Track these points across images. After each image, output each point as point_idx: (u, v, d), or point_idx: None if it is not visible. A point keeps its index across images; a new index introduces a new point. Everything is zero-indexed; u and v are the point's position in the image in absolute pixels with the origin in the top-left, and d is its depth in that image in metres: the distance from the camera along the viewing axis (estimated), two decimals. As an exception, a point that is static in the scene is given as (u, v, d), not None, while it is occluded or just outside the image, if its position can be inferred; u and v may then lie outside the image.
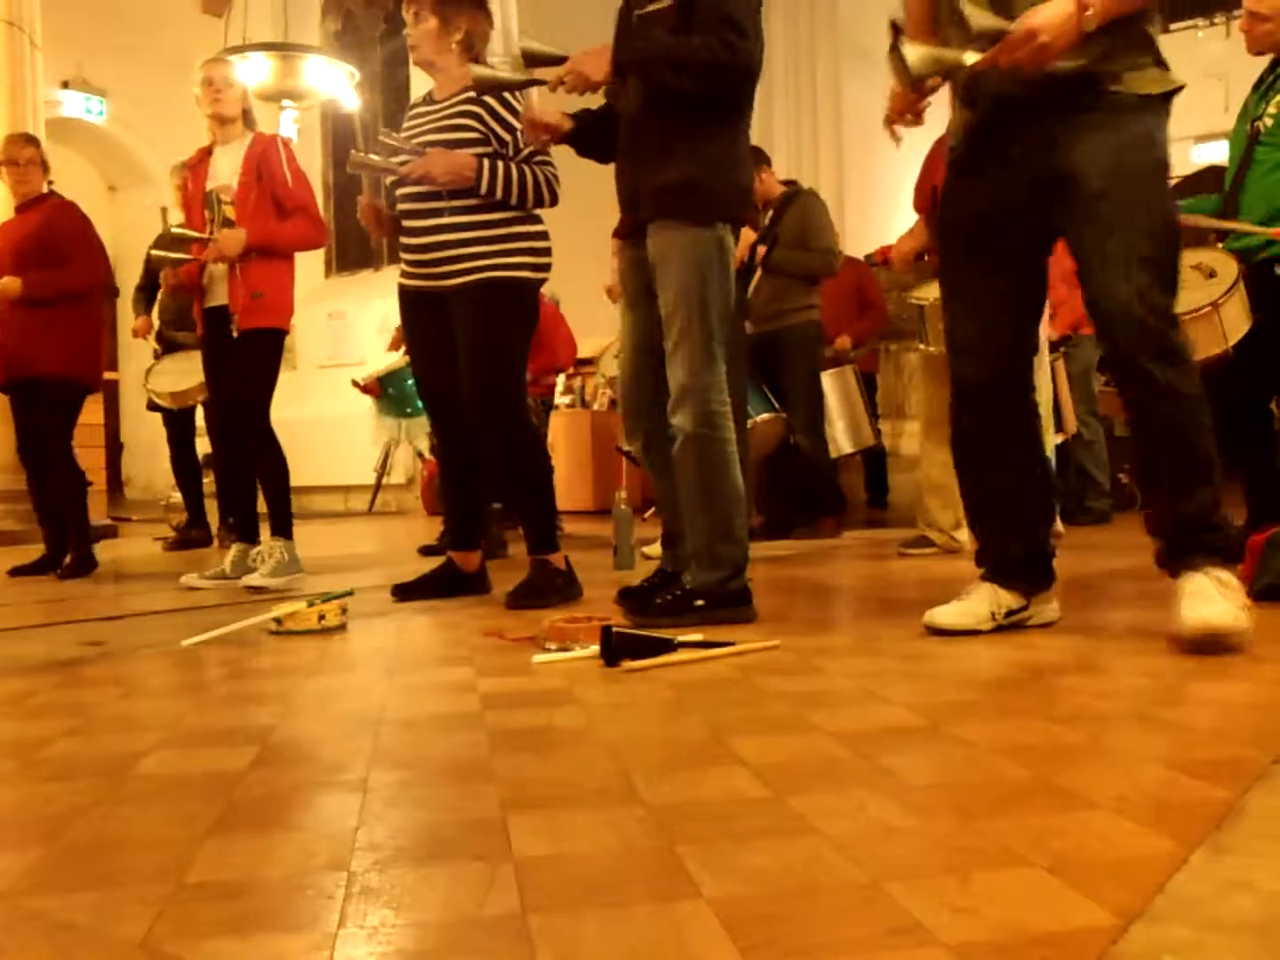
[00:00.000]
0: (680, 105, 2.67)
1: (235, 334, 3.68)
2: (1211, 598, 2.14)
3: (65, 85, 9.40)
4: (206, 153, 3.88)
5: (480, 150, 3.12)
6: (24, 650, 2.63)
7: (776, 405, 5.05)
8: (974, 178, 2.43)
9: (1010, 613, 2.41)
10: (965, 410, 2.50)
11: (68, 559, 4.35)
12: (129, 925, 0.97)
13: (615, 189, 2.90)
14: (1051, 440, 4.60)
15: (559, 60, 2.67)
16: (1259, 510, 3.57)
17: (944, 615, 2.39)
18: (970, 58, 2.17)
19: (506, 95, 3.15)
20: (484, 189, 3.10)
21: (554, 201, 3.23)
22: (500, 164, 3.12)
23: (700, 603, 2.65)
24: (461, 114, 3.17)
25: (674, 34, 2.62)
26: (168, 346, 5.67)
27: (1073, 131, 2.23)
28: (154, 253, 3.94)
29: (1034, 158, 2.28)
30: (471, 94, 3.17)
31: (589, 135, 2.90)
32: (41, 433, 4.40)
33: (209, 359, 3.90)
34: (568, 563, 3.23)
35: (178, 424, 5.62)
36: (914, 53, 2.18)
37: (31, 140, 4.65)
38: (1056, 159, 2.24)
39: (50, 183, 4.52)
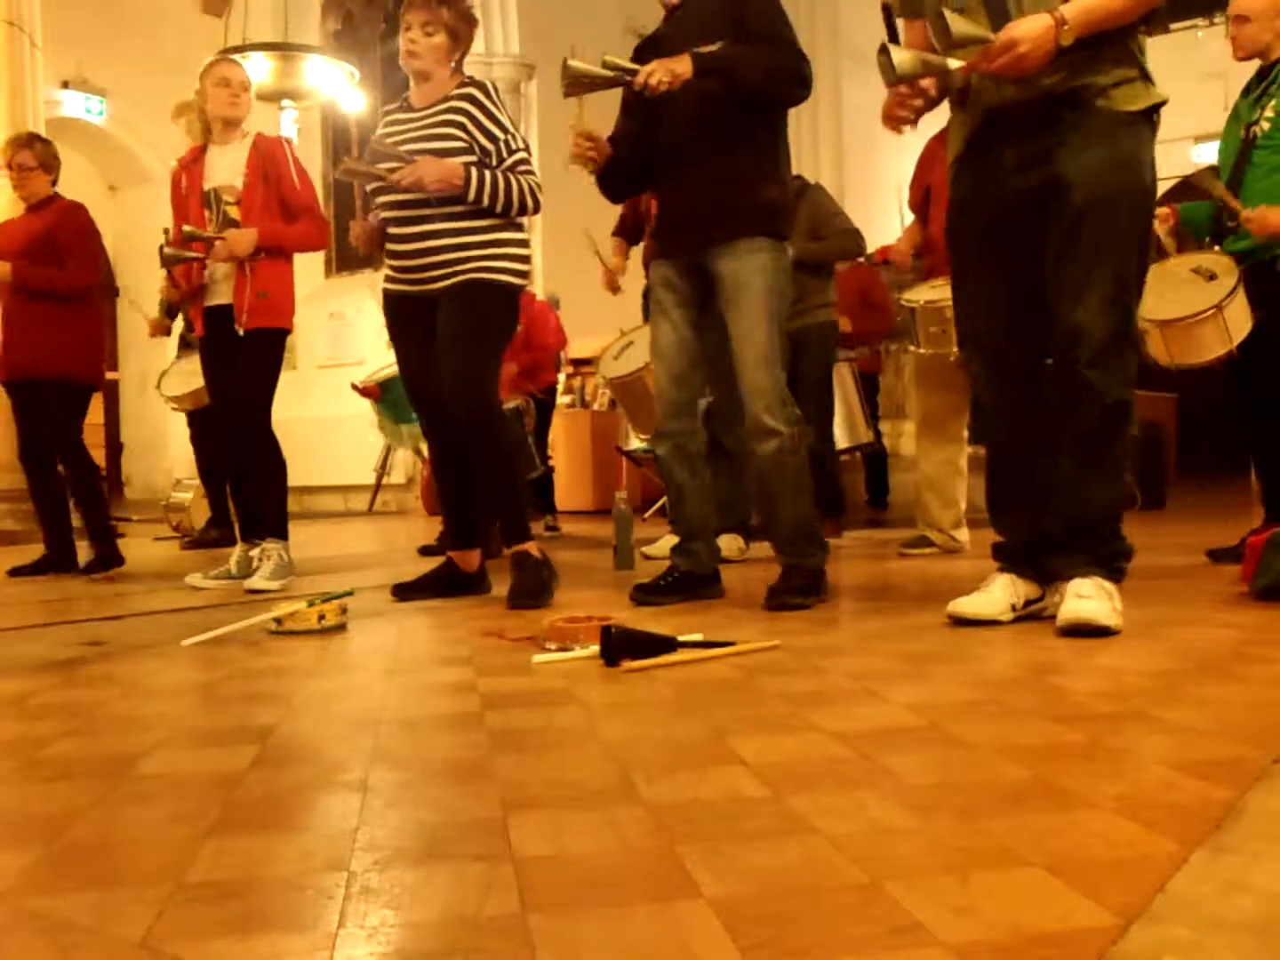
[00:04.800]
0: (741, 123, 2.90)
1: (241, 332, 3.67)
2: (1092, 595, 2.30)
3: (65, 85, 9.39)
4: (201, 150, 3.85)
5: (465, 158, 3.16)
6: (24, 650, 2.63)
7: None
8: (972, 183, 2.51)
9: (1029, 602, 2.51)
10: (985, 405, 2.60)
11: (92, 555, 4.30)
12: (129, 925, 0.97)
13: (659, 211, 3.12)
14: None
15: (634, 72, 2.83)
16: (1274, 509, 3.59)
17: (967, 605, 2.47)
18: (954, 63, 2.29)
19: (490, 105, 3.21)
20: (472, 196, 3.14)
21: (536, 209, 3.28)
22: (487, 172, 3.17)
23: (820, 580, 2.96)
24: (445, 122, 3.20)
25: None
26: (186, 349, 5.64)
27: (1064, 144, 2.34)
28: (167, 251, 3.89)
29: (1027, 167, 2.38)
30: (453, 103, 3.22)
31: (614, 174, 3.11)
32: (46, 433, 4.38)
33: (210, 359, 3.89)
34: (539, 549, 3.28)
35: (200, 423, 5.57)
36: (900, 54, 2.29)
37: (29, 143, 4.52)
38: (1049, 169, 2.35)
39: (54, 182, 4.44)
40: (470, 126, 3.19)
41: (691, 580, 3.07)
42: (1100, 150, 2.31)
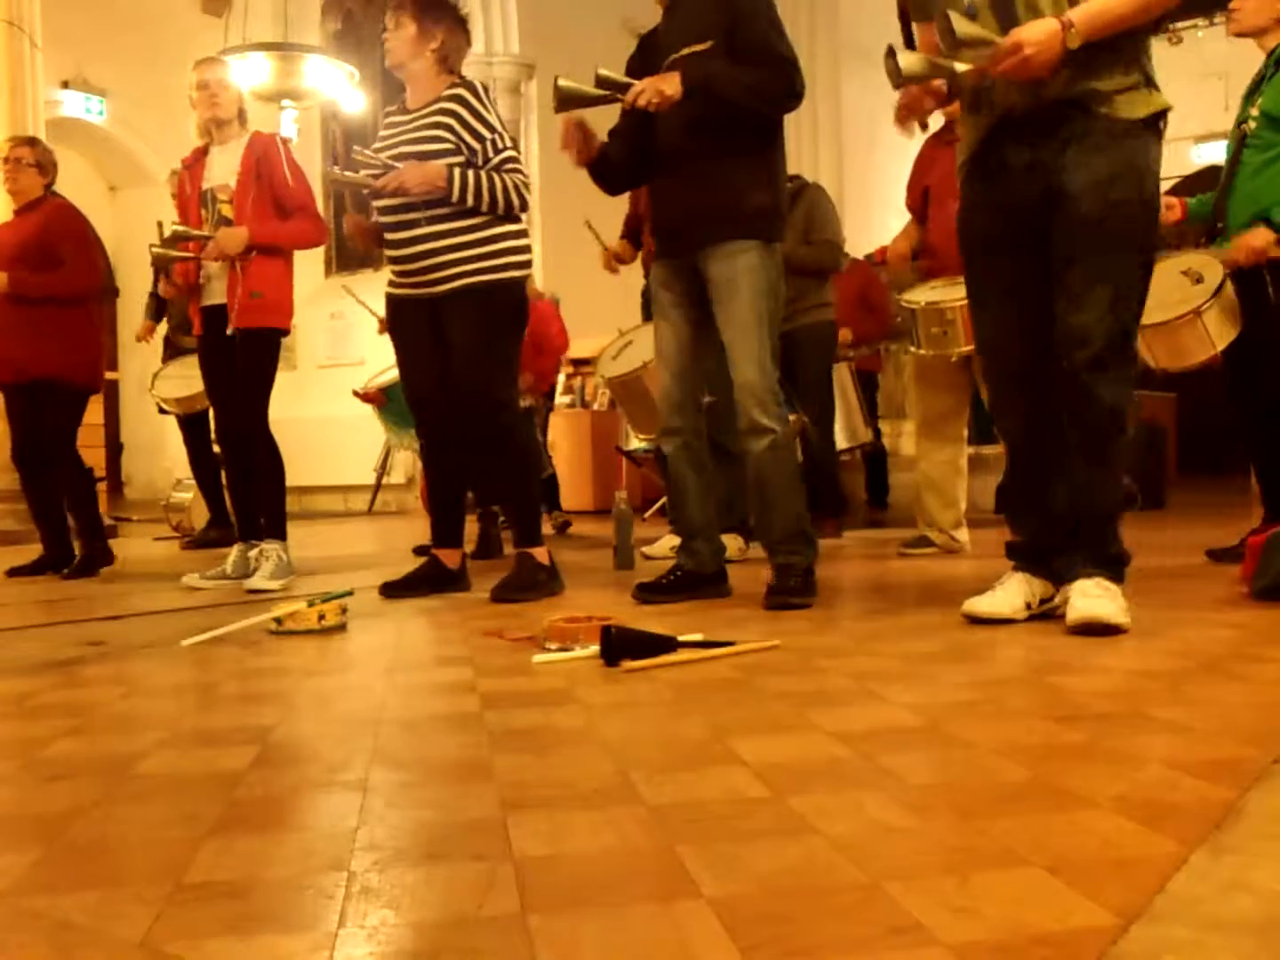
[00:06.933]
0: (732, 132, 2.91)
1: (230, 332, 3.67)
2: (1099, 594, 2.33)
3: (65, 85, 9.38)
4: (202, 152, 3.87)
5: (453, 160, 3.19)
6: (24, 650, 2.63)
7: (796, 406, 5.04)
8: (984, 186, 2.52)
9: (1043, 601, 2.54)
10: (997, 405, 2.63)
11: (77, 557, 4.32)
12: (129, 925, 0.97)
13: (652, 211, 3.12)
14: None
15: (627, 86, 2.87)
16: (1274, 509, 3.59)
17: (982, 604, 2.50)
18: (960, 66, 2.30)
19: (478, 105, 3.24)
20: (455, 196, 3.18)
21: (524, 208, 3.33)
22: (470, 172, 3.20)
23: (813, 578, 2.99)
24: (434, 124, 3.23)
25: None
26: (174, 351, 5.66)
27: (1070, 154, 2.35)
28: (155, 250, 3.92)
29: (1034, 174, 2.40)
30: (442, 104, 3.25)
31: (607, 170, 3.12)
32: (43, 434, 4.38)
33: (206, 358, 3.90)
34: (551, 558, 3.33)
35: (192, 425, 5.60)
36: (906, 57, 2.30)
37: (30, 141, 4.59)
38: (1053, 178, 2.37)
39: (48, 186, 4.44)
40: (457, 127, 3.22)
41: (694, 579, 3.08)
42: (1101, 161, 2.32)
